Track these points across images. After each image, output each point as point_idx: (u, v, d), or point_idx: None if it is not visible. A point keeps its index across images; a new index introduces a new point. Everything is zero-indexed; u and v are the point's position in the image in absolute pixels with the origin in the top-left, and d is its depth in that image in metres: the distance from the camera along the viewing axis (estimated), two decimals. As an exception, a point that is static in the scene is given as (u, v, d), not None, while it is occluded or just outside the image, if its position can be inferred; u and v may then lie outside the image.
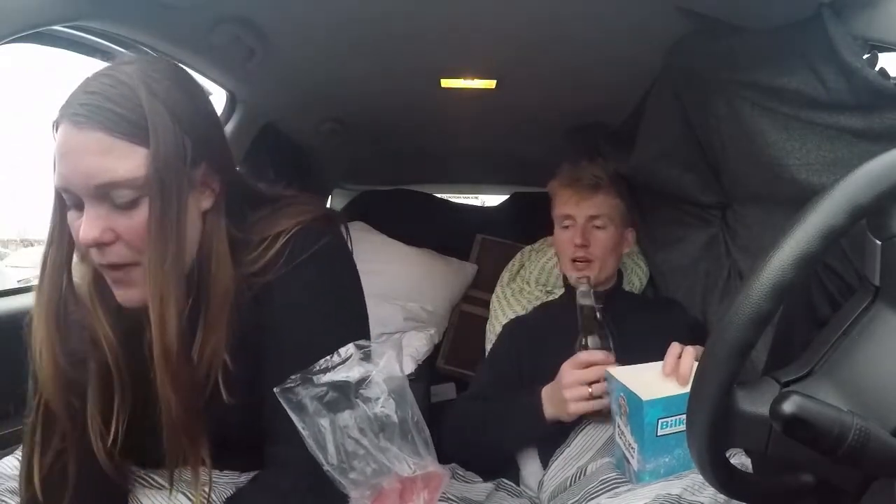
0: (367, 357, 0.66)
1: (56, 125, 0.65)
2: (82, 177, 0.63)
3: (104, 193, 0.64)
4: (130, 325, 0.72)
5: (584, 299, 1.12)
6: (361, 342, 0.70)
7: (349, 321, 0.78)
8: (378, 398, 0.64)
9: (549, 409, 1.11)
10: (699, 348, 1.01)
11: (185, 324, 0.68)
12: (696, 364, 0.98)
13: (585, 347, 1.10)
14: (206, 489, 0.70)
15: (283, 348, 0.74)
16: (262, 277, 0.73)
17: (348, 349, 0.67)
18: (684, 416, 0.88)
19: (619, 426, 0.97)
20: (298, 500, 0.70)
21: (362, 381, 0.64)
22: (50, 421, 0.72)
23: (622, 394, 0.94)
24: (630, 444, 0.93)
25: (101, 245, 0.65)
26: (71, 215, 0.67)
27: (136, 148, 0.63)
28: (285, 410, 0.68)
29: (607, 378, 1.01)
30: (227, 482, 0.79)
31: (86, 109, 0.62)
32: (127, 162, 0.63)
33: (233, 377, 0.72)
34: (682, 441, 0.89)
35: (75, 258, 0.71)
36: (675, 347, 0.98)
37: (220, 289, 0.71)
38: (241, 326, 0.73)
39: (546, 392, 1.12)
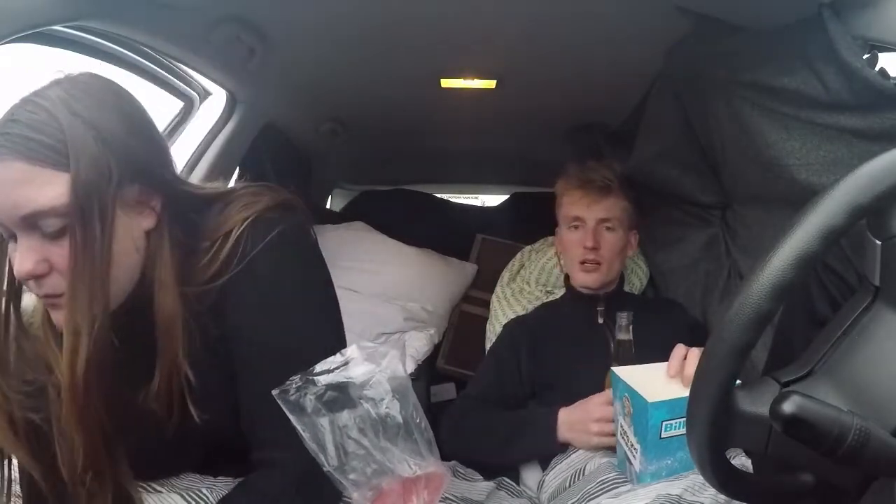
0: (370, 357, 0.65)
1: None
2: (8, 208, 0.61)
3: (32, 224, 0.62)
4: None
5: (624, 333, 1.11)
6: (365, 343, 0.68)
7: (314, 311, 0.75)
8: (382, 399, 0.63)
9: (567, 434, 1.12)
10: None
11: (136, 354, 0.66)
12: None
13: None
14: None
15: (248, 352, 0.71)
16: (216, 282, 0.70)
17: (351, 350, 0.66)
18: None
19: (622, 426, 0.97)
20: (290, 500, 0.69)
21: (366, 382, 0.63)
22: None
23: (626, 394, 0.94)
24: (633, 445, 0.93)
25: (36, 277, 0.63)
26: (10, 247, 0.65)
27: (59, 174, 0.61)
28: (266, 415, 0.66)
29: (612, 378, 1.01)
30: (224, 485, 0.78)
31: (5, 139, 0.60)
32: (50, 190, 0.61)
33: (203, 393, 0.70)
34: (685, 443, 0.89)
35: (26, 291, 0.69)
36: (679, 349, 0.98)
37: (166, 314, 0.68)
38: (203, 341, 0.70)
39: (565, 415, 1.13)
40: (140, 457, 0.70)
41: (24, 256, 0.62)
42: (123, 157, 0.64)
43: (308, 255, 0.77)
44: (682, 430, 0.88)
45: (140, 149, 0.67)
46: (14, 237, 0.64)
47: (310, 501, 0.70)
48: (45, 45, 0.99)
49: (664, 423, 0.89)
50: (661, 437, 0.89)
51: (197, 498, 0.75)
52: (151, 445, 0.72)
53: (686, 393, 0.52)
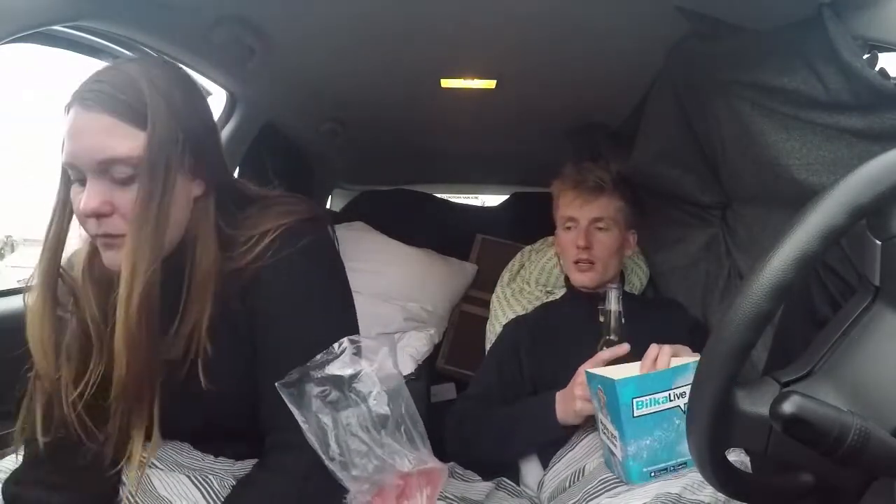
0: (360, 352, 0.66)
1: (67, 108, 0.72)
2: (87, 152, 0.70)
3: (105, 169, 0.70)
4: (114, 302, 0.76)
5: (614, 304, 1.12)
6: (355, 337, 0.70)
7: (335, 312, 0.81)
8: (371, 391, 0.64)
9: (560, 411, 1.12)
10: (678, 347, 1.02)
11: (166, 302, 0.73)
12: (674, 359, 0.99)
13: None
14: (145, 459, 0.75)
15: (279, 340, 0.78)
16: (251, 268, 0.77)
17: (342, 343, 0.67)
18: (660, 395, 0.89)
19: (601, 422, 0.98)
20: (316, 481, 0.72)
21: (356, 376, 0.65)
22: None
23: (599, 385, 0.96)
24: (612, 435, 0.93)
25: (99, 216, 0.71)
26: (75, 189, 0.73)
27: (135, 131, 0.70)
28: (284, 401, 0.70)
29: (588, 378, 1.02)
30: (224, 469, 0.82)
31: (94, 94, 0.70)
32: (127, 142, 0.70)
33: (216, 365, 0.76)
34: (661, 422, 0.90)
35: (75, 245, 0.78)
36: (652, 349, 1.00)
37: (203, 270, 0.76)
38: (230, 315, 0.77)
39: (559, 395, 1.13)
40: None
41: (91, 196, 0.70)
42: (189, 132, 0.74)
43: (334, 263, 0.85)
44: (656, 408, 0.90)
45: (201, 129, 0.77)
46: (82, 181, 0.72)
47: (321, 483, 0.73)
48: (45, 45, 0.99)
49: (635, 401, 0.89)
50: (634, 416, 0.89)
51: (206, 484, 0.78)
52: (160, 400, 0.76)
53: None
